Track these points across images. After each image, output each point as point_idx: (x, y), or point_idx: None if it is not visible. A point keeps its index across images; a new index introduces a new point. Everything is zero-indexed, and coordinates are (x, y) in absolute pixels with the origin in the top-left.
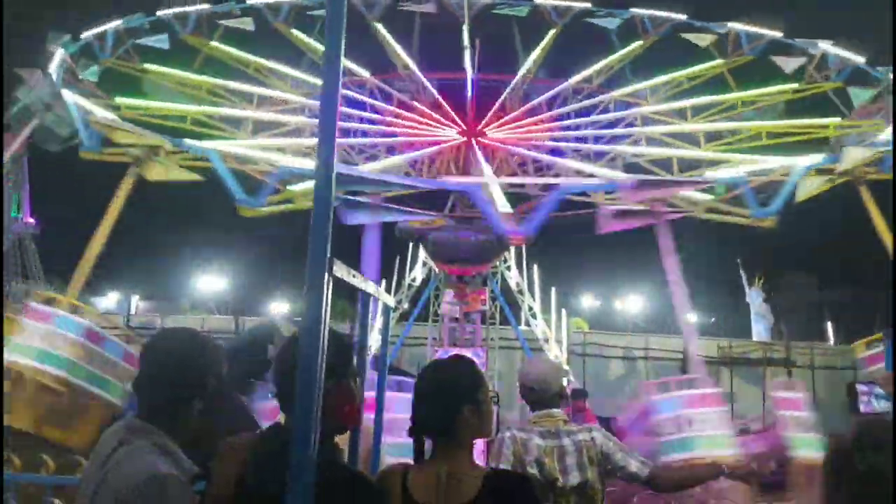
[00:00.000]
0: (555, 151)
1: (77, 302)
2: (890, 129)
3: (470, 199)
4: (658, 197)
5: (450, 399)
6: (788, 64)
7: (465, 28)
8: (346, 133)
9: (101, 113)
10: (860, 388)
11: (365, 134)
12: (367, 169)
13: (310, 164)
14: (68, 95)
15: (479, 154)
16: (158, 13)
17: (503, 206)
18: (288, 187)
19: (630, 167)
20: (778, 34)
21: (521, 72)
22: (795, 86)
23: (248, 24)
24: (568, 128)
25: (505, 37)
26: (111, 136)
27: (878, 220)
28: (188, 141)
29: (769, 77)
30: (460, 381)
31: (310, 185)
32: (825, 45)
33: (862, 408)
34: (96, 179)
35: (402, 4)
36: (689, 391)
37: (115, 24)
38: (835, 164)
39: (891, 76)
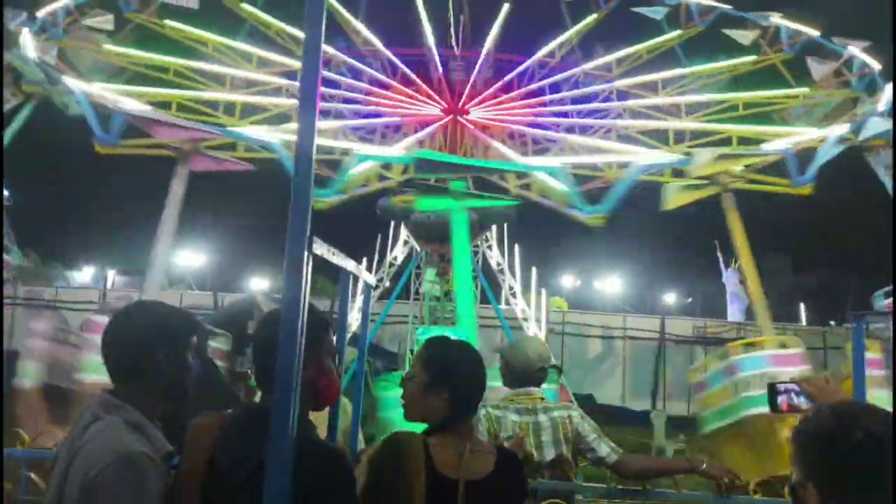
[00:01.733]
0: (542, 127)
1: None
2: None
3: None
4: (719, 169)
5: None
6: (742, 37)
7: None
8: (328, 113)
9: (133, 105)
10: (779, 387)
11: (339, 115)
12: (389, 152)
13: (364, 147)
14: (72, 83)
15: (478, 132)
16: None
17: (560, 186)
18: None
19: (623, 139)
20: (728, 7)
21: (486, 47)
22: (754, 58)
23: (192, 1)
24: (551, 103)
25: (457, 13)
26: (149, 130)
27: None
28: (239, 130)
29: (726, 49)
30: (481, 360)
31: (362, 168)
32: (776, 18)
33: (781, 405)
34: (68, 151)
35: None
36: (774, 350)
37: (65, 1)
38: (853, 135)
39: (851, 49)
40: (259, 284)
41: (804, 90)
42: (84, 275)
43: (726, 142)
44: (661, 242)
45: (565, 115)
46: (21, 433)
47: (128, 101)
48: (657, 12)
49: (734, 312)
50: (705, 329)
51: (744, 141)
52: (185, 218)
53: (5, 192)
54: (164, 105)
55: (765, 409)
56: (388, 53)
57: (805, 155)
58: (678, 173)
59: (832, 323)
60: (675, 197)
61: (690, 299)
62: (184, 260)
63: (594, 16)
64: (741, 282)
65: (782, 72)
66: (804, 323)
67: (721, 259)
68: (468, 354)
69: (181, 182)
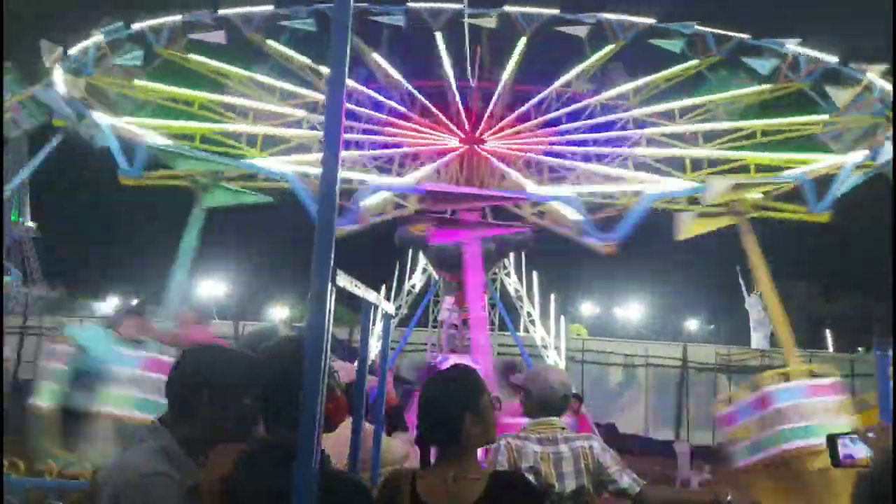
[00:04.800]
0: (558, 155)
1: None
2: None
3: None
4: (734, 197)
5: (453, 408)
6: (761, 65)
7: (440, 35)
8: (348, 144)
9: (154, 138)
10: (839, 439)
11: (359, 145)
12: (401, 183)
13: (377, 178)
14: (99, 117)
15: (495, 161)
16: (134, 26)
17: (573, 214)
18: (361, 203)
19: (639, 167)
20: (745, 36)
21: (504, 78)
22: (771, 86)
23: (220, 37)
24: (567, 132)
25: (482, 44)
26: (170, 162)
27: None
28: (254, 162)
29: (744, 77)
30: (463, 391)
31: (377, 198)
32: (794, 46)
33: (843, 459)
34: (95, 184)
35: (372, 17)
36: (809, 380)
37: (97, 38)
38: (874, 161)
39: (869, 76)
40: (280, 313)
41: (824, 117)
42: (108, 305)
43: (744, 169)
44: (682, 269)
45: (583, 143)
46: (51, 464)
47: (149, 133)
48: (675, 45)
49: (758, 339)
50: (729, 356)
51: (763, 168)
52: (206, 249)
53: (31, 224)
54: (188, 137)
55: (802, 442)
56: (408, 86)
57: (825, 181)
58: (695, 201)
59: (860, 350)
60: (689, 226)
61: (713, 326)
62: (206, 290)
63: (611, 46)
64: (765, 308)
65: (810, 97)
66: (831, 350)
67: (743, 285)
68: (431, 386)
69: (199, 214)
